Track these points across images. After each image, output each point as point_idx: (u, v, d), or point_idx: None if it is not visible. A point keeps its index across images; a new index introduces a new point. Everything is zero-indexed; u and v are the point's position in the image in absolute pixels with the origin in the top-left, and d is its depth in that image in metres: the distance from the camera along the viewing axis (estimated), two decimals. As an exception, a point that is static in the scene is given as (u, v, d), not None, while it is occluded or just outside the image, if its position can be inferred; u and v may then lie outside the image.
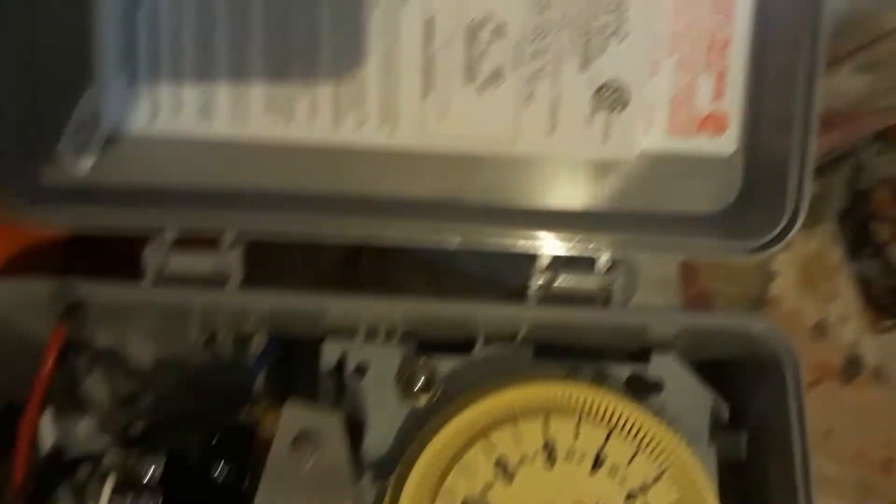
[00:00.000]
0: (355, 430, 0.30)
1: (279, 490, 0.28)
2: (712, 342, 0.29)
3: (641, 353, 0.31)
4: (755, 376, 0.29)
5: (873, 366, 0.40)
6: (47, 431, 0.31)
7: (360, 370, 0.31)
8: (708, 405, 0.30)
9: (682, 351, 0.31)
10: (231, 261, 0.30)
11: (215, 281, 0.30)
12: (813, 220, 0.43)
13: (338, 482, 0.29)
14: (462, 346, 0.32)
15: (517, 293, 0.29)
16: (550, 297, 0.28)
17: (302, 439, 0.29)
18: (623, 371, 0.30)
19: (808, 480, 0.26)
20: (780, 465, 0.27)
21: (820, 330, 0.43)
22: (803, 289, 0.42)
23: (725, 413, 0.30)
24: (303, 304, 0.30)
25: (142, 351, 0.34)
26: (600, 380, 0.30)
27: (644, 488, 0.28)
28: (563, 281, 0.28)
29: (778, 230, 0.28)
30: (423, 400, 0.30)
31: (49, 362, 0.29)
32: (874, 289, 0.45)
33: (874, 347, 0.42)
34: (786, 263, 0.43)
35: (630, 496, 0.28)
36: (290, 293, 0.29)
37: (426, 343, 0.32)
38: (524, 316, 0.28)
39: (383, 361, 0.31)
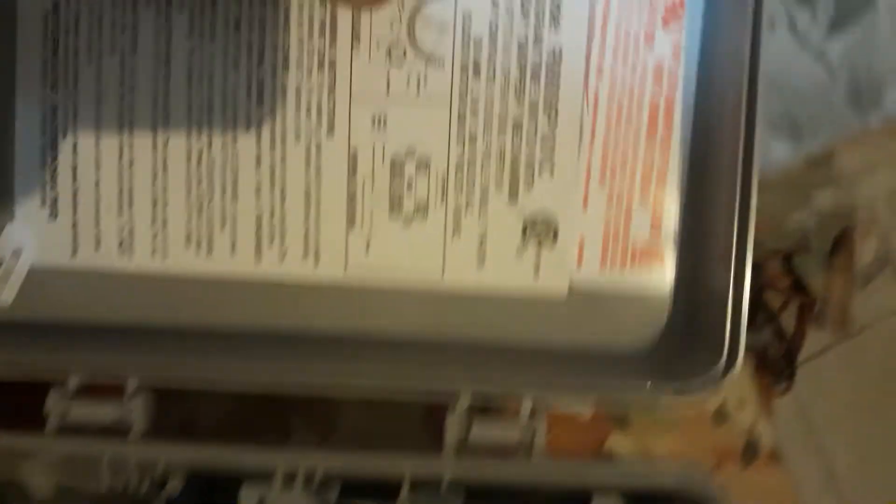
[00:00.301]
0: None
1: None
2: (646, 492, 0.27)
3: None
4: None
5: (769, 448, 0.44)
6: None
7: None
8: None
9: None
10: (134, 409, 0.28)
11: (119, 430, 0.28)
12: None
13: None
14: (389, 490, 0.30)
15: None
16: (467, 448, 0.26)
17: None
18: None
19: None
20: None
21: (720, 415, 0.45)
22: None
23: None
24: (214, 456, 0.28)
25: (45, 487, 0.33)
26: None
27: None
28: (481, 429, 0.26)
29: (714, 370, 0.26)
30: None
31: None
32: (768, 355, 0.50)
33: (769, 431, 0.46)
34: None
35: None
36: (197, 446, 0.27)
37: (350, 487, 0.30)
38: (443, 467, 0.26)
39: (306, 507, 0.29)
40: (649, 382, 0.26)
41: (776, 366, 0.59)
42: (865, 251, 0.63)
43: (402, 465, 0.27)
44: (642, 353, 0.28)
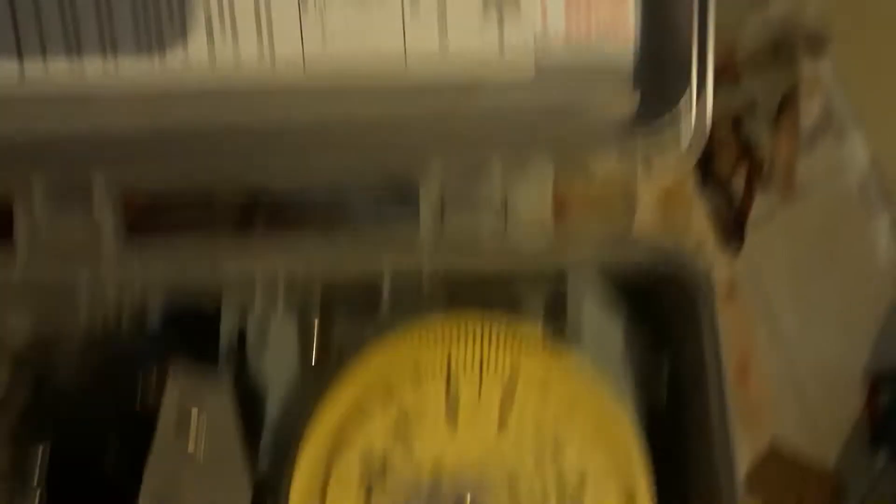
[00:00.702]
0: (257, 399, 0.28)
1: (167, 474, 0.26)
2: (626, 271, 0.28)
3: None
4: (672, 297, 0.27)
5: (725, 282, 0.45)
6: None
7: (260, 340, 0.29)
8: (624, 335, 0.28)
9: (595, 282, 0.29)
10: (106, 213, 0.27)
11: (92, 242, 0.27)
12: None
13: (231, 459, 0.26)
14: (368, 304, 0.30)
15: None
16: (445, 237, 0.26)
17: (189, 414, 0.26)
18: (538, 310, 0.29)
19: (725, 410, 0.24)
20: (697, 391, 0.25)
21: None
22: (663, 220, 0.46)
23: (644, 342, 0.29)
24: (192, 257, 0.27)
25: (17, 329, 0.31)
26: (515, 317, 0.28)
27: (558, 447, 0.25)
28: (457, 216, 0.26)
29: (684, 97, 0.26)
30: (326, 365, 0.28)
31: None
32: (721, 219, 0.51)
33: (724, 266, 0.49)
34: (646, 196, 0.46)
35: (540, 454, 0.25)
36: (176, 246, 0.26)
37: (329, 306, 0.29)
38: (422, 260, 0.26)
39: (283, 330, 0.29)
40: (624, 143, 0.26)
41: (726, 229, 0.61)
42: (808, 113, 0.65)
43: (382, 262, 0.27)
44: (613, 123, 0.28)
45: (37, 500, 0.26)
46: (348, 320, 0.29)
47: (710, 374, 0.25)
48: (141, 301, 0.30)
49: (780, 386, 0.60)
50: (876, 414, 0.60)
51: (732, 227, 0.61)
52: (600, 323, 0.29)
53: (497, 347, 0.26)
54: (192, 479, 0.26)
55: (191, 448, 0.25)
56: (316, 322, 0.29)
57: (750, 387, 0.49)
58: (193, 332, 0.31)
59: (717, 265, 0.48)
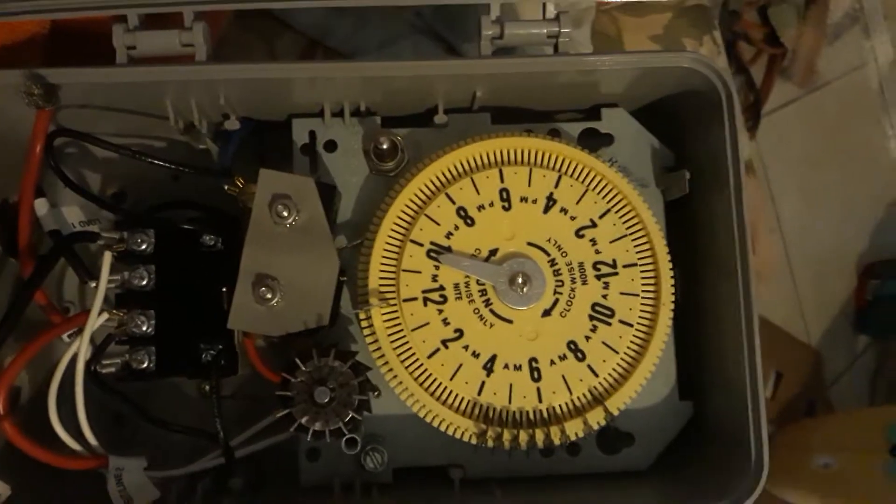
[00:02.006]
0: (328, 198, 0.32)
1: (263, 247, 0.30)
2: (653, 86, 0.32)
3: (592, 112, 0.33)
4: (694, 112, 0.31)
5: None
6: (43, 214, 0.32)
7: (330, 145, 0.33)
8: (653, 151, 0.33)
9: (628, 104, 0.33)
10: (196, 34, 0.30)
11: (184, 56, 0.30)
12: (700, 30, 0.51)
13: (318, 236, 0.30)
14: (424, 119, 0.33)
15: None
16: (502, 48, 0.30)
17: (279, 201, 0.30)
18: (575, 128, 0.33)
19: (741, 204, 0.29)
20: (719, 195, 0.30)
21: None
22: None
23: (669, 156, 0.33)
24: (269, 72, 0.30)
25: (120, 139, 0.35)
26: (555, 137, 0.32)
27: (592, 224, 0.30)
28: (513, 29, 0.29)
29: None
30: (390, 168, 0.32)
31: (38, 145, 0.30)
32: (740, 101, 0.51)
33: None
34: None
35: (580, 231, 0.30)
36: (255, 63, 0.30)
37: (390, 119, 0.33)
38: (478, 72, 0.30)
39: (350, 135, 0.33)
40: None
41: (744, 111, 0.64)
42: (838, 5, 0.66)
43: (434, 83, 0.30)
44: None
45: (149, 277, 0.31)
46: (409, 130, 0.32)
47: (732, 162, 0.29)
48: (221, 115, 0.33)
49: (777, 263, 0.64)
50: (862, 301, 0.64)
51: (750, 110, 0.64)
52: (632, 140, 0.33)
53: (543, 147, 0.30)
54: (285, 255, 0.30)
55: (282, 228, 0.30)
56: (380, 131, 0.32)
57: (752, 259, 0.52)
58: (268, 141, 0.35)
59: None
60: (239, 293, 0.30)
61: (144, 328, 0.31)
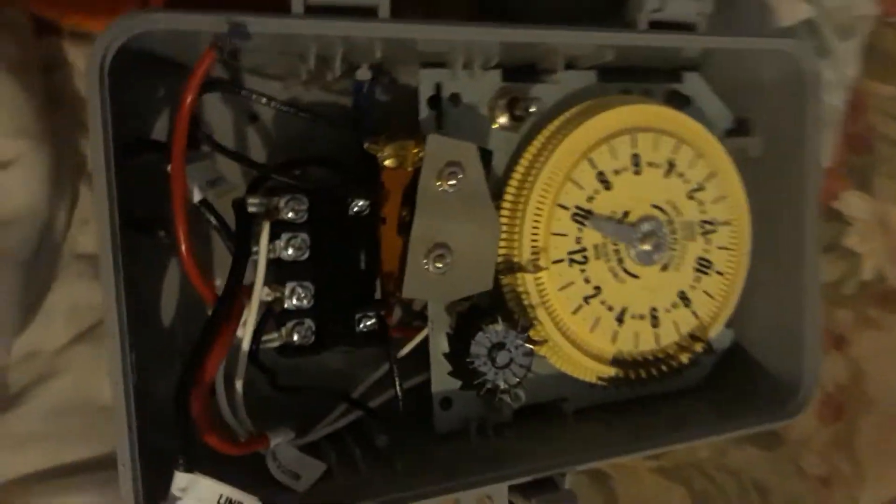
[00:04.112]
0: (486, 162, 0.31)
1: (433, 214, 0.30)
2: (740, 63, 0.36)
3: (672, 73, 0.36)
4: (779, 90, 0.36)
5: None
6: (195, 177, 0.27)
7: (454, 98, 0.32)
8: (721, 114, 0.37)
9: (705, 69, 0.37)
10: None
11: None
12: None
13: (479, 200, 0.30)
14: (530, 71, 0.34)
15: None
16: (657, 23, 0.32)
17: (447, 167, 0.29)
18: (661, 88, 0.36)
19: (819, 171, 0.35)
20: (794, 163, 0.35)
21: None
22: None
23: (744, 123, 0.37)
24: (454, 34, 0.29)
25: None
26: (648, 95, 0.35)
27: (701, 187, 0.34)
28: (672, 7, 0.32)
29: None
30: (512, 123, 0.33)
31: (195, 82, 0.25)
32: None
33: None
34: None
35: (691, 193, 0.34)
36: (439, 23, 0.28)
37: (510, 72, 0.33)
38: (630, 43, 0.31)
39: (476, 88, 0.32)
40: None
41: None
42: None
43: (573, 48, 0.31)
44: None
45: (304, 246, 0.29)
46: (530, 86, 0.33)
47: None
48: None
49: None
50: None
51: None
52: (708, 104, 0.36)
53: (670, 116, 0.33)
54: (452, 221, 0.29)
55: (448, 194, 0.29)
56: (506, 86, 0.32)
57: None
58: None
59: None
60: (412, 262, 0.29)
61: (305, 301, 0.29)
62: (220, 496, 0.24)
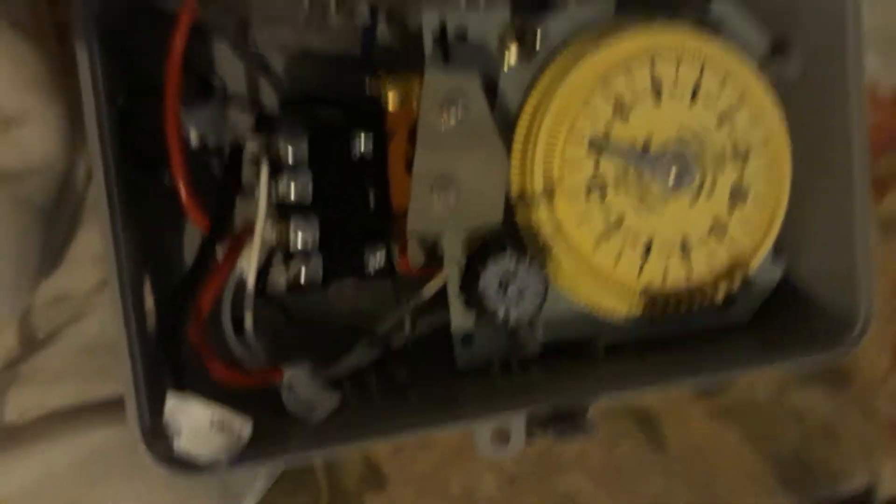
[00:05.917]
0: (490, 92, 0.31)
1: (435, 149, 0.29)
2: None
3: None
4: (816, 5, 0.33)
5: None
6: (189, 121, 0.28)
7: (460, 34, 0.31)
8: (763, 38, 0.34)
9: None
10: None
11: None
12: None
13: (484, 132, 0.30)
14: (547, 5, 0.32)
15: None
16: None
17: (447, 102, 0.29)
18: (688, 15, 0.33)
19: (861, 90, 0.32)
20: (837, 83, 0.32)
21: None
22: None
23: (780, 45, 0.34)
24: None
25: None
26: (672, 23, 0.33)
27: (730, 113, 0.32)
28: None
29: None
30: (523, 58, 0.31)
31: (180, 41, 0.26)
32: None
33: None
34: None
35: (720, 121, 0.32)
36: None
37: (519, 4, 0.32)
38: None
39: (482, 24, 0.31)
40: None
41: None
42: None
43: None
44: None
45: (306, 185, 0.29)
46: (540, 18, 0.31)
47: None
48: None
49: None
50: None
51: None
52: (741, 29, 0.33)
53: (691, 39, 0.31)
54: (455, 154, 0.29)
55: (450, 128, 0.29)
56: (513, 19, 0.31)
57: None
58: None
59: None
60: (415, 196, 0.29)
61: (310, 239, 0.29)
62: (211, 416, 0.25)
